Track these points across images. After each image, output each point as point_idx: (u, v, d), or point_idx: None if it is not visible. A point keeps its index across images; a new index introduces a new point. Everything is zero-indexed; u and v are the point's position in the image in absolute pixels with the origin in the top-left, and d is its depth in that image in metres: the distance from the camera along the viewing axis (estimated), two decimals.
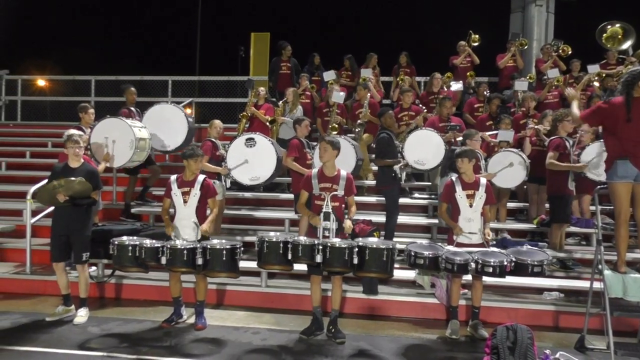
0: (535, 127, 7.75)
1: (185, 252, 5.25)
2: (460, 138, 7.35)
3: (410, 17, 26.22)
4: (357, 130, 9.05)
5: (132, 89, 8.79)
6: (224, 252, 5.28)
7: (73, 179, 5.61)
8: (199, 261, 5.27)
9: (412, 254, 5.17)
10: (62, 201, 5.64)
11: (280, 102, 9.53)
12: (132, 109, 8.53)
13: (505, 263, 4.92)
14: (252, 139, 7.33)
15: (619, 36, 9.94)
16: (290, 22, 24.14)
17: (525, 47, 10.99)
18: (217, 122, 7.75)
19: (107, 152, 7.24)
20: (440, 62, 11.07)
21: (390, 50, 11.55)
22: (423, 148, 7.42)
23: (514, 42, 10.59)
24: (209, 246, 5.31)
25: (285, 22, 23.97)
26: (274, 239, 5.16)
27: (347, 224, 5.34)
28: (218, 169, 7.23)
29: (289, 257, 5.09)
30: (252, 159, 7.24)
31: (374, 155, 7.79)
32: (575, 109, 5.52)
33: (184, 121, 8.17)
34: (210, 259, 5.30)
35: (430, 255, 5.12)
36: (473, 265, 5.01)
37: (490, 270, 4.93)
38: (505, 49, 10.76)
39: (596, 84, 9.65)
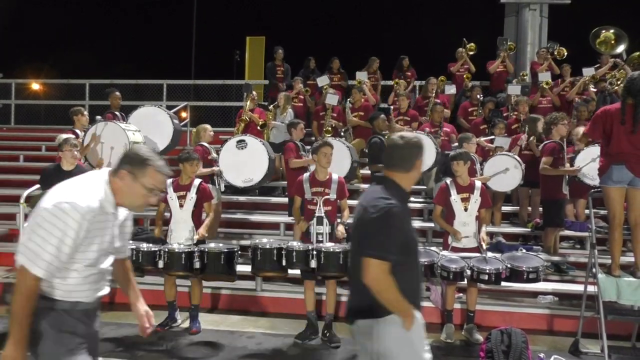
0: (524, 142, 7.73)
1: (182, 255, 5.23)
2: (456, 144, 7.38)
3: (405, 21, 26.33)
4: (342, 133, 9.08)
5: (117, 93, 8.78)
6: (222, 255, 5.26)
7: None
8: (197, 265, 5.25)
9: None
10: None
11: (271, 106, 9.54)
12: (117, 113, 8.51)
13: (501, 270, 4.93)
14: (243, 140, 7.35)
15: (612, 41, 10.01)
16: (286, 26, 24.17)
17: (514, 51, 11.10)
18: (208, 126, 7.73)
19: (100, 158, 7.22)
20: (436, 67, 11.14)
21: (387, 54, 11.61)
22: None
23: (503, 47, 10.66)
24: (206, 250, 5.29)
25: (281, 26, 24.00)
26: (267, 246, 5.15)
27: (340, 229, 5.33)
28: (212, 170, 7.21)
29: (283, 263, 5.08)
30: (244, 161, 7.25)
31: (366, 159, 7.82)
32: (580, 128, 5.61)
33: (169, 123, 8.14)
34: (208, 262, 5.28)
35: (426, 263, 5.11)
36: (468, 272, 5.02)
37: (486, 277, 4.95)
38: (494, 55, 10.84)
39: (592, 87, 9.70)
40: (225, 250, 5.29)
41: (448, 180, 5.76)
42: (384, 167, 2.90)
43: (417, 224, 8.12)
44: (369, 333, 2.74)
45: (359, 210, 2.81)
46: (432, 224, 7.72)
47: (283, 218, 7.86)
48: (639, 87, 4.88)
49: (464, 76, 10.68)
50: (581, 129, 6.77)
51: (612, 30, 9.99)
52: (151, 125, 8.03)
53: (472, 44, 10.82)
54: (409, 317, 2.68)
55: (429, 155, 7.48)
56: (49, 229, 2.30)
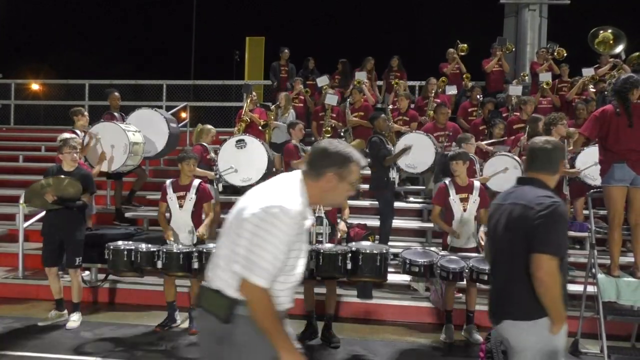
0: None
1: (181, 256, 5.23)
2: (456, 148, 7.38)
3: (405, 21, 26.36)
4: (342, 133, 9.07)
5: (116, 93, 8.76)
6: None
7: (62, 177, 5.57)
8: (195, 265, 5.25)
9: (407, 261, 5.16)
10: (51, 201, 5.58)
11: (273, 106, 9.54)
12: (116, 114, 8.50)
13: None
14: (243, 140, 7.37)
15: (610, 41, 10.02)
16: (286, 26, 24.19)
17: (511, 52, 11.12)
18: (211, 128, 7.71)
19: (102, 152, 7.23)
20: (435, 67, 11.14)
21: (387, 54, 11.62)
22: (414, 151, 7.44)
23: (501, 47, 10.66)
24: (205, 250, 5.29)
25: (281, 26, 24.01)
26: None
27: (341, 225, 5.33)
28: (207, 173, 7.17)
29: None
30: (243, 161, 7.27)
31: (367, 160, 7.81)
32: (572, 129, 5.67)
33: (164, 126, 8.12)
34: (206, 263, 5.27)
35: (425, 263, 5.11)
36: (468, 272, 5.02)
37: (485, 277, 4.95)
38: (490, 54, 10.84)
39: (591, 87, 9.71)
40: None
41: (447, 181, 5.76)
42: (528, 169, 3.02)
43: (416, 224, 8.13)
44: (516, 334, 2.82)
45: (512, 209, 2.86)
46: (431, 224, 7.71)
47: None
48: (620, 86, 5.05)
49: (464, 76, 10.69)
50: (572, 129, 6.77)
51: (610, 31, 10.00)
52: (148, 128, 8.01)
53: (463, 45, 10.85)
54: (562, 320, 2.75)
55: (429, 156, 7.48)
56: (263, 236, 2.19)
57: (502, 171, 7.16)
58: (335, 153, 2.36)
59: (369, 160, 7.21)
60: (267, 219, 2.20)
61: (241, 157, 7.28)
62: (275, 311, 2.26)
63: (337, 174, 2.35)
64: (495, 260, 3.04)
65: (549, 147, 2.97)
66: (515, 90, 9.31)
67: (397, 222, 7.49)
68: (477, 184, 5.70)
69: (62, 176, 5.59)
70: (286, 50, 11.32)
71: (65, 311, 5.90)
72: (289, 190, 2.33)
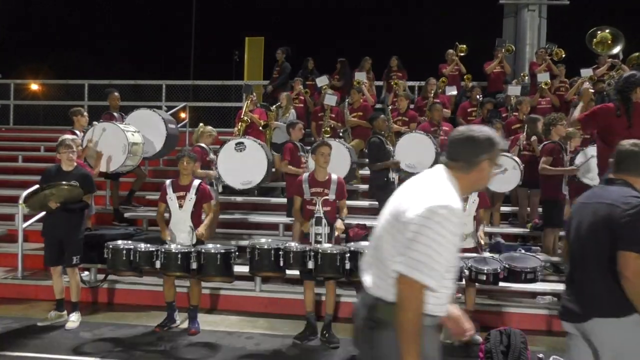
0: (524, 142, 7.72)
1: (179, 256, 5.23)
2: None
3: (404, 22, 26.35)
4: (340, 133, 9.08)
5: (116, 93, 8.75)
6: (219, 256, 5.27)
7: (64, 184, 5.57)
8: (194, 265, 5.26)
9: None
10: (55, 208, 5.60)
11: (274, 106, 9.54)
12: (115, 114, 8.49)
13: (499, 270, 4.94)
14: (242, 142, 7.37)
15: (609, 41, 10.02)
16: (286, 26, 24.18)
17: (511, 53, 11.15)
18: (211, 130, 7.71)
19: (99, 152, 7.21)
20: (434, 67, 11.16)
21: (386, 54, 11.63)
22: (414, 151, 7.45)
23: (500, 48, 10.68)
24: (203, 250, 5.29)
25: (280, 26, 24.02)
26: (265, 246, 5.16)
27: (338, 223, 5.33)
28: (208, 173, 7.17)
29: (281, 263, 5.09)
30: (242, 163, 7.27)
31: (366, 160, 7.82)
32: (577, 111, 5.65)
33: (162, 127, 8.11)
34: (205, 263, 5.29)
35: None
36: (467, 272, 5.03)
37: (484, 278, 4.96)
38: (492, 56, 10.86)
39: (590, 88, 9.70)
40: (222, 251, 5.30)
41: None
42: (615, 171, 3.01)
43: None
44: (605, 331, 2.79)
45: (597, 208, 2.87)
46: None
47: (282, 218, 7.86)
48: (622, 85, 5.11)
49: (465, 77, 10.71)
50: (572, 130, 6.77)
51: (608, 31, 9.99)
52: (146, 128, 8.00)
53: (462, 46, 10.87)
54: None
55: (428, 155, 7.49)
56: (432, 236, 2.11)
57: (502, 171, 7.18)
58: (484, 139, 2.31)
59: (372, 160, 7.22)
60: (435, 219, 2.14)
61: (241, 160, 7.28)
62: (421, 320, 2.16)
63: (489, 159, 2.32)
64: (578, 259, 3.01)
65: (636, 150, 2.99)
66: (514, 90, 9.33)
67: None
68: None
69: (63, 182, 5.58)
70: (279, 51, 11.35)
71: (65, 312, 5.89)
72: (446, 188, 2.26)
